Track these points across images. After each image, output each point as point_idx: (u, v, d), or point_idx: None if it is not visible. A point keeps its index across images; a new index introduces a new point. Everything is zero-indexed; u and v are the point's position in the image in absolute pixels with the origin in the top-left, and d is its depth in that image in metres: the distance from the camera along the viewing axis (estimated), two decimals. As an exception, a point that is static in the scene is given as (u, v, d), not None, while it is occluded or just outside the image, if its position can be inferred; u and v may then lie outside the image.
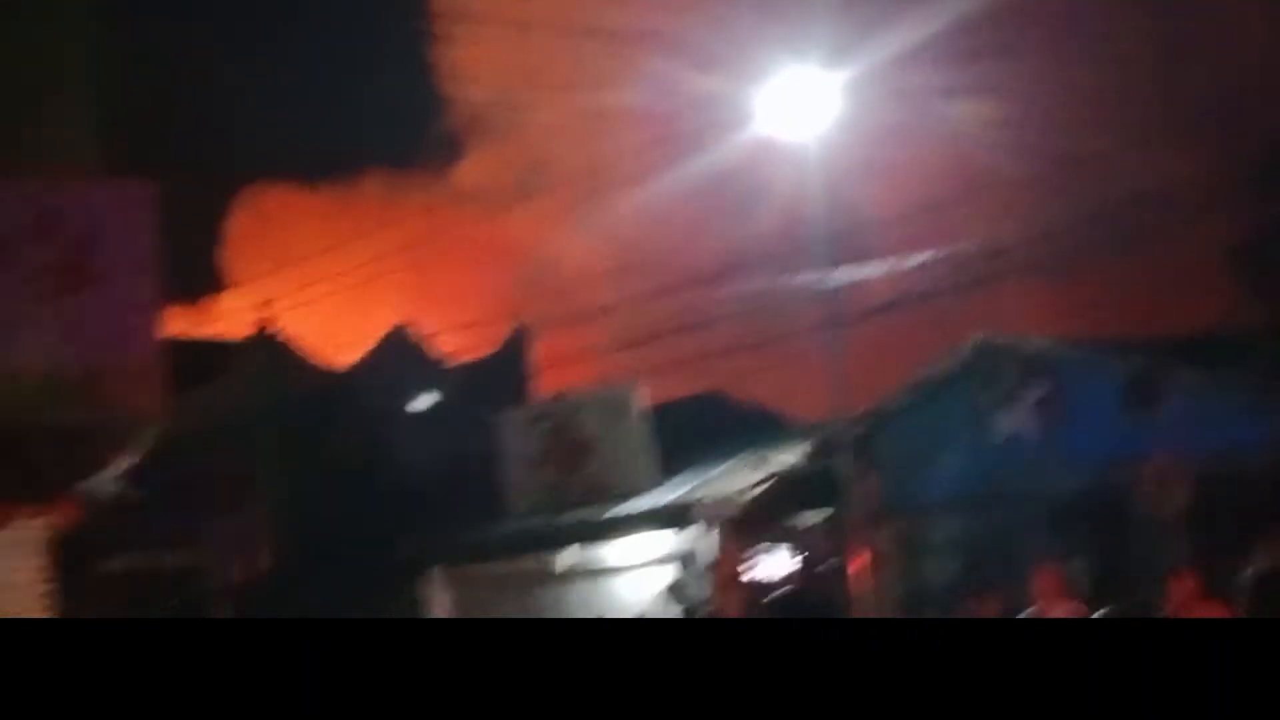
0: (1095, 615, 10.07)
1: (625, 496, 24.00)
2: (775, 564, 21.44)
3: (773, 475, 21.57)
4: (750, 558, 21.45)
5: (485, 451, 26.61)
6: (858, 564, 19.31)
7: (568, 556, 24.60)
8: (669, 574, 22.95)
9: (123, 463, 14.42)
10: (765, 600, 19.38)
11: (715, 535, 21.54)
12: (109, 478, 14.36)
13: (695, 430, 25.80)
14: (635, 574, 23.65)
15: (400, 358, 32.33)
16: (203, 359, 28.37)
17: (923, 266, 20.59)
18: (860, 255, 21.07)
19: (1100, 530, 17.38)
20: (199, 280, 44.73)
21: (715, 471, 23.58)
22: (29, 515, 13.60)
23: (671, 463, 24.31)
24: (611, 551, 23.88)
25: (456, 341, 33.37)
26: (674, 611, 20.49)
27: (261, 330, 32.00)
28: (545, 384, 31.75)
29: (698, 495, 22.29)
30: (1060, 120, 30.57)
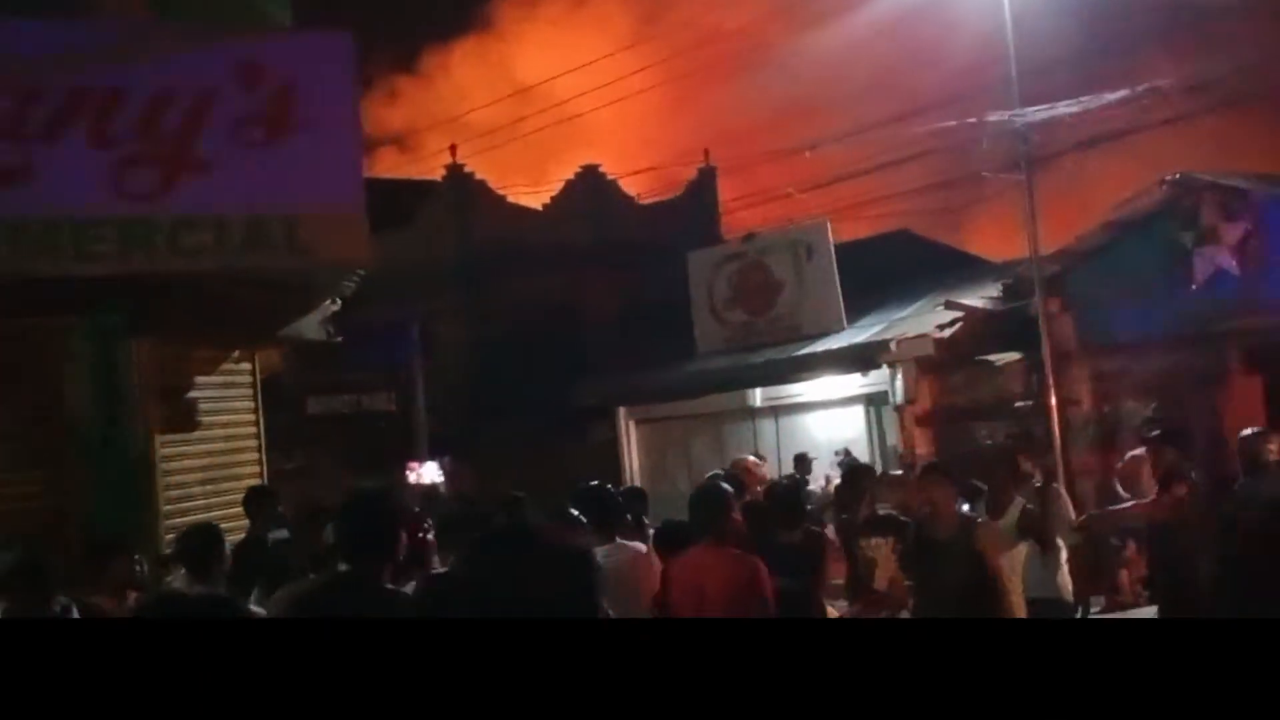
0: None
1: (814, 337, 24.04)
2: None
3: (963, 315, 21.38)
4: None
5: (675, 292, 26.78)
6: (1052, 404, 19.14)
7: (758, 394, 24.82)
8: (859, 412, 23.06)
9: (326, 308, 14.82)
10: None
11: (905, 375, 21.52)
12: (313, 322, 14.77)
13: (885, 270, 25.67)
14: (827, 411, 23.79)
15: (590, 198, 32.53)
16: (398, 200, 28.87)
17: (1119, 102, 20.01)
18: (1054, 92, 20.55)
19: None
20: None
21: (905, 312, 23.49)
22: (237, 360, 14.07)
23: (860, 302, 24.26)
24: (803, 389, 24.00)
25: (645, 183, 33.49)
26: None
27: (452, 171, 32.37)
28: (734, 225, 31.78)
29: (887, 335, 22.22)
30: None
